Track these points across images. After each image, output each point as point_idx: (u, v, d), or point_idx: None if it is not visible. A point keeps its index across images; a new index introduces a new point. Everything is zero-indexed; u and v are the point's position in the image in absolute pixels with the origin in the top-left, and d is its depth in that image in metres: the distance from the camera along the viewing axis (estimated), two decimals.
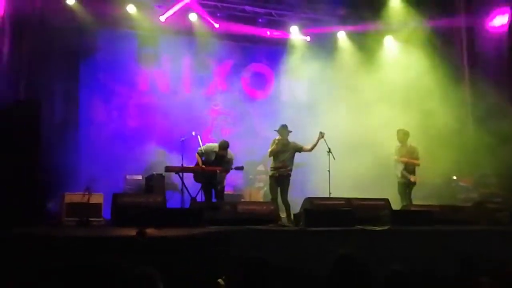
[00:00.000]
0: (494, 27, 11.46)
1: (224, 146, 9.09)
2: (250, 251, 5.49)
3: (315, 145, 8.90)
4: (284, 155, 8.80)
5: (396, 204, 8.84)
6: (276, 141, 8.79)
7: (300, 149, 8.93)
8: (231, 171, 9.36)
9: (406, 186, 9.23)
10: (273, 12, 12.80)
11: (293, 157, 8.92)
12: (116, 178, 10.75)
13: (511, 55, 10.96)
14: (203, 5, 12.21)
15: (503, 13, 11.38)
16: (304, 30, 13.07)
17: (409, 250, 6.44)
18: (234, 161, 9.32)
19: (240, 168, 9.29)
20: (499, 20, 11.46)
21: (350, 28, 12.97)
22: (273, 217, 7.61)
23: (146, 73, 12.57)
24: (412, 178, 9.16)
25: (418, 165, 9.33)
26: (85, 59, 11.50)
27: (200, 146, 9.26)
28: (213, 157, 9.10)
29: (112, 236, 5.90)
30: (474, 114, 11.47)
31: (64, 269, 3.34)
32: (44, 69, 10.39)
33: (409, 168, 9.26)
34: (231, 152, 9.26)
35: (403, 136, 9.41)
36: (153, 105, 12.46)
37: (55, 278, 3.56)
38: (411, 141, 9.47)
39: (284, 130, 8.85)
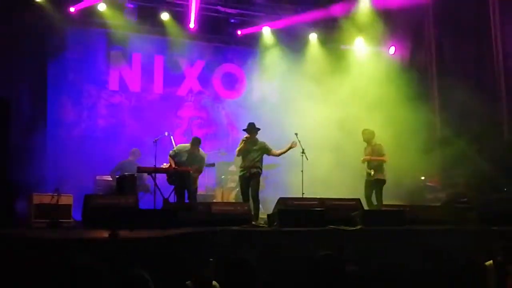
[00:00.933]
0: None
1: (196, 141, 9.12)
2: (225, 252, 5.51)
3: (284, 152, 8.94)
4: (253, 154, 8.80)
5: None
6: (245, 139, 8.78)
7: (268, 152, 8.94)
8: (203, 171, 9.35)
9: (371, 185, 9.35)
10: (245, 12, 12.80)
11: (262, 156, 8.91)
12: (86, 179, 10.59)
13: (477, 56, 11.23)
14: (176, 5, 12.13)
15: None
16: (276, 31, 13.10)
17: (381, 249, 6.53)
18: (205, 161, 9.31)
19: (211, 165, 9.26)
20: None
21: (321, 29, 13.10)
22: (247, 217, 7.60)
23: (117, 72, 12.44)
24: (368, 171, 9.32)
25: (385, 161, 9.41)
26: (53, 57, 11.29)
27: (173, 147, 9.23)
28: (184, 157, 9.09)
29: (86, 238, 5.80)
30: (442, 115, 11.73)
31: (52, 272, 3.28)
32: (11, 68, 10.15)
33: (373, 166, 9.38)
34: (203, 151, 9.27)
35: (368, 135, 9.56)
36: (124, 105, 12.37)
37: (44, 280, 3.50)
38: (378, 140, 9.63)
39: (252, 128, 8.85)
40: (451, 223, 7.94)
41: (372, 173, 9.29)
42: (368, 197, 9.23)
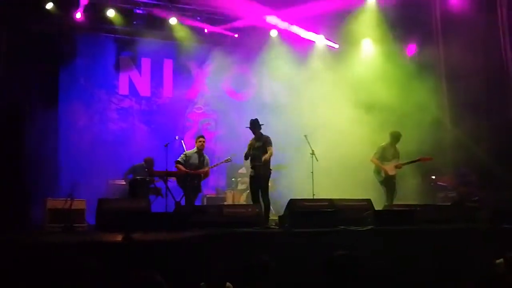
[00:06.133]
0: None
1: (201, 135, 9.44)
2: (237, 254, 5.57)
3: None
4: (256, 151, 8.58)
5: (379, 203, 8.98)
6: (250, 142, 8.72)
7: (266, 146, 8.61)
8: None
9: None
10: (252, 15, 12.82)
11: (265, 151, 8.55)
12: (98, 183, 10.69)
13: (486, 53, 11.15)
14: (183, 9, 12.22)
15: None
16: (283, 34, 13.15)
17: (393, 249, 6.56)
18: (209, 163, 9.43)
19: (228, 160, 9.46)
20: None
21: (329, 30, 13.13)
22: (258, 219, 7.64)
23: (126, 77, 12.59)
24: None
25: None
26: (64, 64, 11.43)
27: (184, 151, 9.29)
28: (196, 160, 9.14)
29: (100, 241, 5.89)
30: (451, 113, 11.69)
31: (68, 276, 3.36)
32: (23, 75, 10.27)
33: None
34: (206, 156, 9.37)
35: (398, 137, 9.61)
36: (134, 109, 12.51)
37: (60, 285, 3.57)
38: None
39: (254, 125, 8.69)
40: (462, 222, 7.95)
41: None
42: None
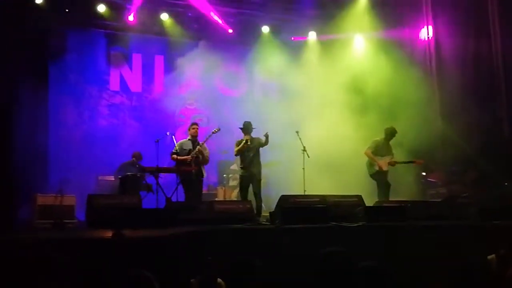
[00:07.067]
0: None
1: (194, 122, 9.30)
2: (228, 251, 5.55)
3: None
4: (250, 152, 8.84)
5: (372, 198, 9.00)
6: (244, 141, 8.84)
7: (261, 144, 8.93)
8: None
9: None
10: (245, 12, 12.81)
11: (259, 153, 8.95)
12: (88, 179, 10.64)
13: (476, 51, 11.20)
14: (176, 5, 12.16)
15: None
16: (274, 28, 13.14)
17: (384, 245, 6.56)
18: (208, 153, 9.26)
19: (217, 130, 9.29)
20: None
21: (320, 27, 13.14)
22: (250, 215, 7.64)
23: (117, 72, 12.52)
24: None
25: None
26: (54, 59, 11.32)
27: (175, 146, 9.22)
28: (190, 146, 9.05)
29: (91, 238, 5.84)
30: (441, 111, 11.73)
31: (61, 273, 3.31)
32: (12, 71, 10.16)
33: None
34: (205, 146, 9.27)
35: (393, 133, 9.61)
36: (125, 105, 12.44)
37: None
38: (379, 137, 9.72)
39: (248, 127, 8.92)
40: (452, 219, 7.98)
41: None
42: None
